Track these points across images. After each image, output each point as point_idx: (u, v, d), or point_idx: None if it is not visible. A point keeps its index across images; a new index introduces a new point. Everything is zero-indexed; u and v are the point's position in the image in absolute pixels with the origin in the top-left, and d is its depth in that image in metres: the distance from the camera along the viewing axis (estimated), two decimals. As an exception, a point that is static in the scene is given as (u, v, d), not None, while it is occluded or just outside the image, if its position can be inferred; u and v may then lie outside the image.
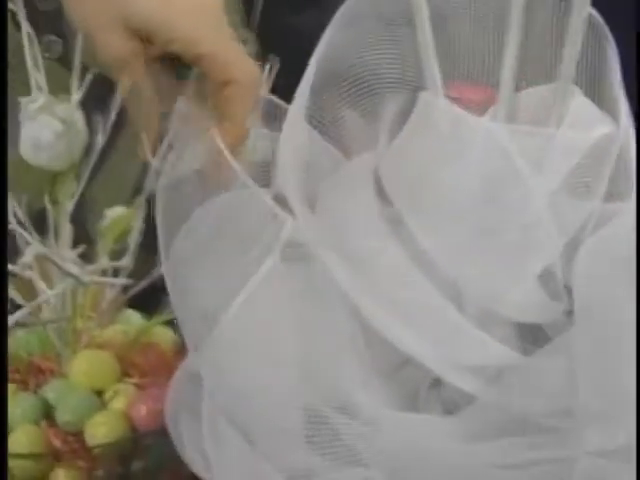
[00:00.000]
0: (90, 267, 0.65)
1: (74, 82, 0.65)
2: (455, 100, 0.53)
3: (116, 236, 0.68)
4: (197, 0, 0.67)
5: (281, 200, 0.54)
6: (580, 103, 0.52)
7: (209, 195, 0.56)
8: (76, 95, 0.64)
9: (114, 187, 0.83)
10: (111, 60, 0.66)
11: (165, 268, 0.56)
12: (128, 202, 0.69)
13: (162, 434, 0.62)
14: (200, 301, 0.53)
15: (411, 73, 0.53)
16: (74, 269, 0.64)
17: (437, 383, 0.52)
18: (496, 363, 0.50)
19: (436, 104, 0.51)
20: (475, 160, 0.50)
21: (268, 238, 0.51)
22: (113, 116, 0.66)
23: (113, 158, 0.80)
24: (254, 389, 0.53)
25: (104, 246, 0.68)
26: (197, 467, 0.56)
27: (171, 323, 0.71)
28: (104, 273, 0.67)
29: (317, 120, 0.56)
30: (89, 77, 0.64)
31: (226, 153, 0.54)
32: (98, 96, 0.66)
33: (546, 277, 0.53)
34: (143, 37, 0.66)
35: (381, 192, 0.54)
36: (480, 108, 0.53)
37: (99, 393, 0.68)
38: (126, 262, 0.67)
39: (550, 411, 0.49)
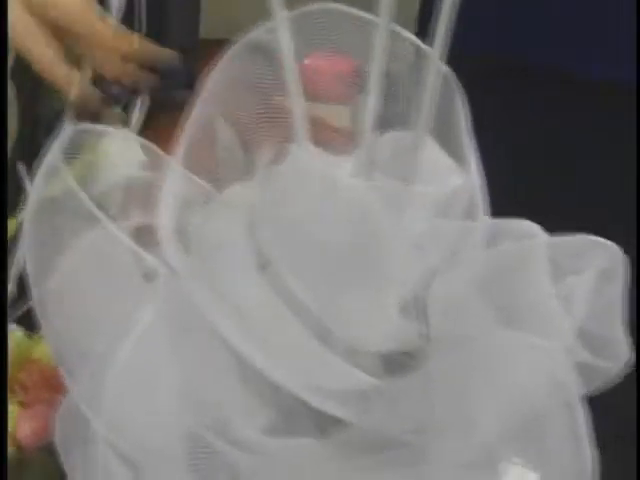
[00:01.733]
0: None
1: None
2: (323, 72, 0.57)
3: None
4: None
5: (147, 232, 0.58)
6: (434, 153, 0.57)
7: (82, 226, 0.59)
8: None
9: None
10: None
11: (36, 300, 0.59)
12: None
13: (48, 451, 0.66)
14: (73, 339, 0.57)
15: (282, 128, 0.57)
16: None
17: (311, 408, 0.57)
18: (357, 388, 0.55)
19: (303, 159, 0.56)
20: (337, 216, 0.54)
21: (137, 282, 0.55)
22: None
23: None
24: (135, 419, 0.56)
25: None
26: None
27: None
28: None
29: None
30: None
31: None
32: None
33: (407, 308, 0.58)
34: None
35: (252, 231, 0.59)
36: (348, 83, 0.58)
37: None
38: (10, 288, 0.69)
39: (407, 430, 0.55)
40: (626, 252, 0.60)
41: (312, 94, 0.60)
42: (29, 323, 0.75)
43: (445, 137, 0.58)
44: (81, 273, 0.58)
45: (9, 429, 0.69)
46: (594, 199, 1.02)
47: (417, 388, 0.55)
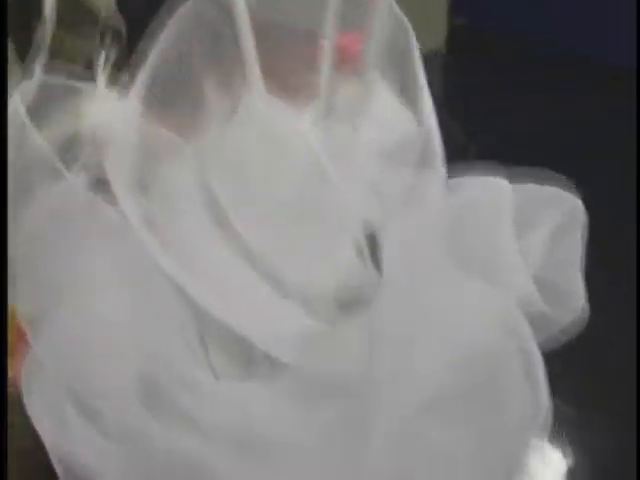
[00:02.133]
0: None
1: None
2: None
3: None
4: None
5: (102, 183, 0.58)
6: (386, 100, 0.58)
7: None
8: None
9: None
10: None
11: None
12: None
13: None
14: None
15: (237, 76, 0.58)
16: None
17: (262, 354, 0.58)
18: (307, 333, 0.56)
19: (257, 107, 0.57)
20: (291, 161, 0.55)
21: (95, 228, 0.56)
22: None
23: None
24: (92, 364, 0.57)
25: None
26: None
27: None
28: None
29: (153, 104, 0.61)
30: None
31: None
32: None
33: (360, 252, 0.59)
34: None
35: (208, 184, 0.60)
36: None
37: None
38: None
39: (354, 375, 0.55)
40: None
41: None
42: None
43: (401, 86, 0.59)
44: (43, 226, 0.59)
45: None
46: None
47: (365, 332, 0.56)
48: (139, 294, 0.57)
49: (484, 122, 1.73)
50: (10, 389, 0.68)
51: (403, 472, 0.56)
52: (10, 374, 0.69)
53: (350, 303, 0.59)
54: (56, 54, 0.75)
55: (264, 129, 0.57)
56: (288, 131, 0.56)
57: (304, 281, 0.57)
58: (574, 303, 0.62)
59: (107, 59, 0.77)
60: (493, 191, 0.62)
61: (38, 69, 0.68)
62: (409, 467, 0.56)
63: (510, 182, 0.62)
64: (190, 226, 0.57)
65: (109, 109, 0.66)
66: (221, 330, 0.57)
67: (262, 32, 0.59)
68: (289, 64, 0.61)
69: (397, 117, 0.58)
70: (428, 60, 0.59)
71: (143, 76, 0.58)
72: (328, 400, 0.56)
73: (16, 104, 0.60)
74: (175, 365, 0.57)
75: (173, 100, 0.60)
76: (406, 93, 0.59)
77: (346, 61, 0.59)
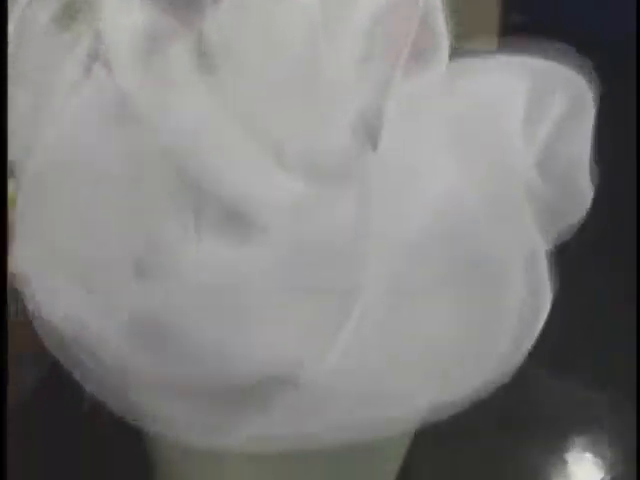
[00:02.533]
0: None
1: None
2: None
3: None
4: None
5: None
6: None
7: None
8: None
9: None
10: None
11: None
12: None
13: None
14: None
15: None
16: None
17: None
18: (294, 197, 0.54)
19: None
20: (286, 29, 0.55)
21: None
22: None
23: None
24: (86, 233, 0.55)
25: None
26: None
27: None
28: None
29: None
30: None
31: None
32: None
33: (359, 123, 0.56)
34: None
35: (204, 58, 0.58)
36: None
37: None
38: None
39: (343, 239, 0.53)
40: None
41: None
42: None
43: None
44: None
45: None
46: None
47: (352, 195, 0.53)
48: (135, 168, 0.55)
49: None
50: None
51: (386, 348, 0.53)
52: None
53: (344, 175, 0.56)
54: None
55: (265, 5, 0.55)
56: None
57: (299, 150, 0.55)
58: (580, 197, 0.60)
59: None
60: (504, 82, 0.60)
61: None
62: (393, 345, 0.53)
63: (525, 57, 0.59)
64: (188, 99, 0.56)
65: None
66: (216, 204, 0.55)
67: None
68: None
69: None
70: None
71: None
72: (315, 267, 0.53)
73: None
74: (167, 241, 0.55)
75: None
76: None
77: None
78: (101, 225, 0.56)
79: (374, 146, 0.55)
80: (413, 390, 0.54)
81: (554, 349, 0.70)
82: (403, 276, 0.54)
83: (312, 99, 0.56)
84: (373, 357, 0.53)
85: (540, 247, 0.57)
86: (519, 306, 0.56)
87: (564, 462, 0.86)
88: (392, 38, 0.56)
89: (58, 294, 0.55)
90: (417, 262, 0.54)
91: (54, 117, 0.55)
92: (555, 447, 0.87)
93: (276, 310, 0.52)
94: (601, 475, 0.85)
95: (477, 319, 0.55)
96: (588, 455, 0.87)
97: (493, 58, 0.60)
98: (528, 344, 0.56)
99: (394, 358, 0.54)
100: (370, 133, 0.56)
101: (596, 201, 0.60)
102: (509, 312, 0.56)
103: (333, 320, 0.52)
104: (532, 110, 0.59)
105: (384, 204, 0.53)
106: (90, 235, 0.56)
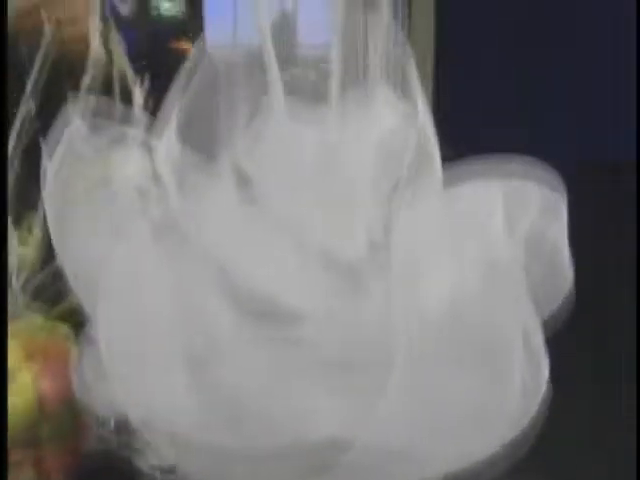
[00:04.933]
0: None
1: None
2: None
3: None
4: None
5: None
6: (382, 94, 0.68)
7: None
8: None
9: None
10: None
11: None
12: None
13: (66, 404, 0.75)
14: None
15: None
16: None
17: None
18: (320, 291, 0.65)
19: (278, 110, 0.68)
20: (310, 154, 0.67)
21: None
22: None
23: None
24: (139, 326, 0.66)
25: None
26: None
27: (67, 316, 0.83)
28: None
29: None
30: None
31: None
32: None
33: (370, 231, 0.68)
34: None
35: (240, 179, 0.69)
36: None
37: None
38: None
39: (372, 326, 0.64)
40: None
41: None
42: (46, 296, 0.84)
43: (399, 87, 0.69)
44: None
45: (27, 381, 0.78)
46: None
47: (376, 299, 0.64)
48: (183, 268, 0.65)
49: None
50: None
51: (416, 414, 0.63)
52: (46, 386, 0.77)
53: (360, 273, 0.67)
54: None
55: (285, 128, 0.67)
56: (307, 128, 0.66)
57: (325, 252, 0.66)
58: (561, 286, 0.70)
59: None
60: (485, 195, 0.71)
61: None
62: (423, 410, 0.64)
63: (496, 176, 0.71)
64: (228, 207, 0.67)
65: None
66: (252, 299, 0.66)
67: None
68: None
69: (395, 112, 0.68)
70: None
71: (176, 113, 0.68)
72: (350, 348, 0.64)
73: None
74: (211, 334, 0.65)
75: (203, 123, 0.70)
76: (403, 92, 0.69)
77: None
78: (162, 324, 0.66)
79: (387, 246, 0.66)
80: (439, 448, 0.64)
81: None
82: (425, 353, 0.64)
83: (334, 209, 0.67)
84: (405, 421, 0.63)
85: (534, 322, 0.68)
86: (522, 374, 0.67)
87: None
88: (397, 156, 0.67)
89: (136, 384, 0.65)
90: (435, 341, 0.65)
91: (118, 238, 0.65)
92: None
93: (322, 385, 0.63)
94: None
95: (488, 387, 0.66)
96: None
97: (474, 166, 0.71)
98: (533, 409, 0.67)
99: (424, 422, 0.64)
100: (383, 235, 0.67)
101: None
102: (514, 381, 0.67)
103: (371, 392, 0.62)
104: (511, 208, 0.70)
105: (399, 295, 0.64)
106: (153, 333, 0.66)
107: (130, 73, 1.07)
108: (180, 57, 0.77)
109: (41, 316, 0.85)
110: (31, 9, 0.89)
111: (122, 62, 1.05)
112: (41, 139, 0.78)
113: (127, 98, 0.83)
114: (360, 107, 0.68)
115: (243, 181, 0.68)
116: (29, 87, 0.91)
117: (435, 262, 0.68)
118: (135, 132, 0.73)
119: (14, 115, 0.92)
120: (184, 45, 1.64)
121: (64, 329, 0.84)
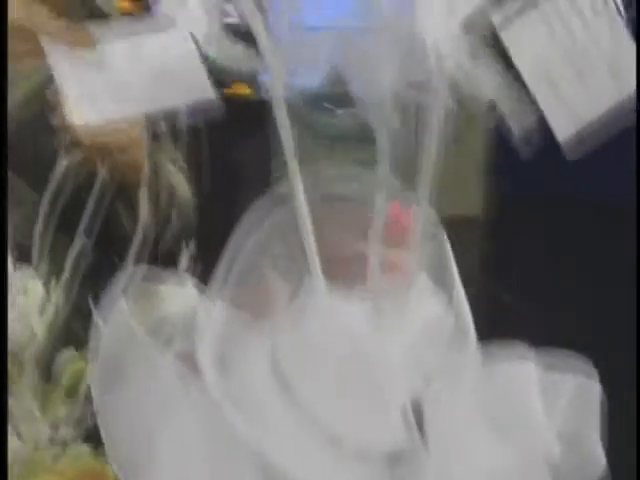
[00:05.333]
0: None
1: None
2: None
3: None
4: None
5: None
6: (422, 284, 0.70)
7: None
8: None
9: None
10: None
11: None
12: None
13: None
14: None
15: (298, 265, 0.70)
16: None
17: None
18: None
19: (317, 293, 0.69)
20: (348, 342, 0.68)
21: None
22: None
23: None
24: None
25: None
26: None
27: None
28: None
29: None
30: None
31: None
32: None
33: (405, 414, 0.69)
34: None
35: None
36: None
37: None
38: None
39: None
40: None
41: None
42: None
43: (434, 269, 0.70)
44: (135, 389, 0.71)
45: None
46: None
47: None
48: (217, 458, 0.68)
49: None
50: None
51: None
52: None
53: (397, 460, 0.69)
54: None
55: (324, 314, 0.68)
56: (345, 315, 0.68)
57: (358, 437, 0.67)
58: (593, 465, 0.71)
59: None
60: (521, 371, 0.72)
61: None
62: None
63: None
64: (263, 397, 0.68)
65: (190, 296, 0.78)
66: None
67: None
68: (341, 236, 0.73)
69: (432, 302, 0.69)
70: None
71: (222, 270, 0.70)
72: None
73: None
74: None
75: (245, 288, 0.72)
76: (439, 280, 0.71)
77: (396, 233, 0.70)
78: None
79: (421, 429, 0.68)
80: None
81: None
82: None
83: (366, 396, 0.68)
84: None
85: None
86: None
87: None
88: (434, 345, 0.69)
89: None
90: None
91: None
92: None
93: None
94: None
95: None
96: None
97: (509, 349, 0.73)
98: None
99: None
100: (417, 418, 0.68)
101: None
102: None
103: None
104: (547, 389, 0.72)
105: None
106: None
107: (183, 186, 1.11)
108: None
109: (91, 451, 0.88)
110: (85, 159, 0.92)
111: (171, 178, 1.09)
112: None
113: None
114: (398, 295, 0.70)
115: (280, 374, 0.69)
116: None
117: (470, 444, 0.69)
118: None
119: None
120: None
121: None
